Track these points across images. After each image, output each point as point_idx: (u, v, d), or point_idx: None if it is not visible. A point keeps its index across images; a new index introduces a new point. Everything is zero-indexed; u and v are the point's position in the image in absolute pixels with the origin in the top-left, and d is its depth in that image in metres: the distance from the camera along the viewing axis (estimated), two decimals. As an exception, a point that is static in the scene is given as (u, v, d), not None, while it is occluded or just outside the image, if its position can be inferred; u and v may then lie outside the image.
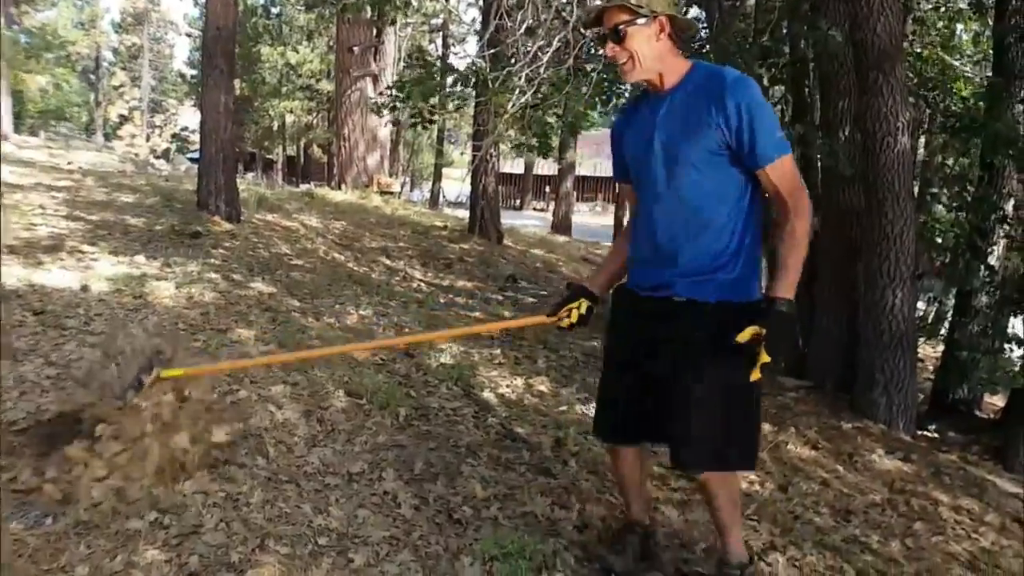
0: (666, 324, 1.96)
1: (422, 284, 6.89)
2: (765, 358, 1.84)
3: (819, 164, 5.31)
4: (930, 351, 7.46)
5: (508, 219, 18.76)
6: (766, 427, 3.90)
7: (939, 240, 5.55)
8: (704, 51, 6.05)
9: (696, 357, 1.92)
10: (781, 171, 1.86)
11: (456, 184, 25.03)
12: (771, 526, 2.74)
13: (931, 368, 6.50)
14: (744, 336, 1.82)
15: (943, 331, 6.25)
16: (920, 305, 5.93)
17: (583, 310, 2.17)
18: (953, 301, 5.84)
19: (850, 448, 3.81)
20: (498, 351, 4.70)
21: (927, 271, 5.98)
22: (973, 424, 4.94)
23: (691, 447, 2.00)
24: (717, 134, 1.85)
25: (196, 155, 8.73)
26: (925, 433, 4.57)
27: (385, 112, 8.61)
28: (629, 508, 2.37)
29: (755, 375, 1.86)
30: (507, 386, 4.01)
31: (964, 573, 2.69)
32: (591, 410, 3.74)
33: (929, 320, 6.82)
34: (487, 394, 3.81)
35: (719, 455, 1.98)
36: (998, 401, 5.72)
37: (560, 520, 2.55)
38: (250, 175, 25.38)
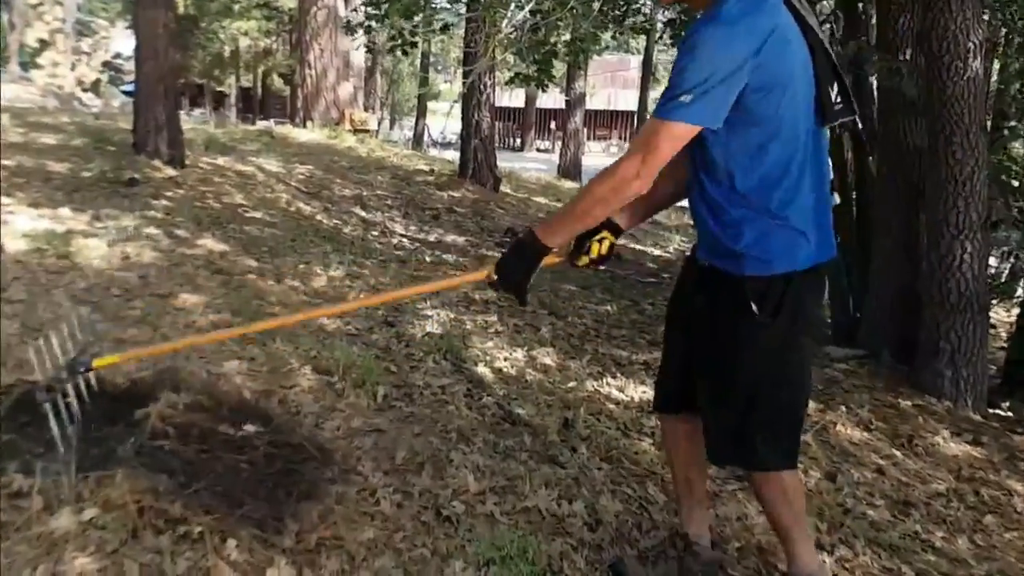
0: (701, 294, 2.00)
1: (404, 239, 6.86)
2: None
3: (875, 91, 5.21)
4: (1004, 315, 7.44)
5: (506, 162, 18.69)
6: (811, 406, 3.88)
7: (1016, 183, 5.50)
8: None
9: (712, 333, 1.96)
10: (644, 126, 1.80)
11: (444, 121, 24.79)
12: (817, 521, 2.73)
13: (1004, 336, 6.49)
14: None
15: (1020, 291, 6.23)
16: (993, 261, 5.89)
17: (604, 248, 2.10)
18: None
19: (909, 429, 3.81)
20: (494, 318, 4.68)
21: (1002, 220, 5.93)
22: (1054, 401, 4.94)
23: (711, 436, 2.01)
24: None
25: (131, 88, 8.60)
26: (997, 412, 4.56)
27: (358, 33, 8.47)
28: (679, 511, 2.34)
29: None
30: (505, 359, 3.99)
31: (1045, 575, 2.68)
32: (604, 387, 3.80)
33: (1003, 278, 6.78)
34: (482, 369, 3.78)
35: (742, 450, 1.97)
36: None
37: (568, 516, 2.54)
38: (197, 111, 25.08)
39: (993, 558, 2.72)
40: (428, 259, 6.20)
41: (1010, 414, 4.56)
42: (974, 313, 4.30)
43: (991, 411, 4.45)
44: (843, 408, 3.91)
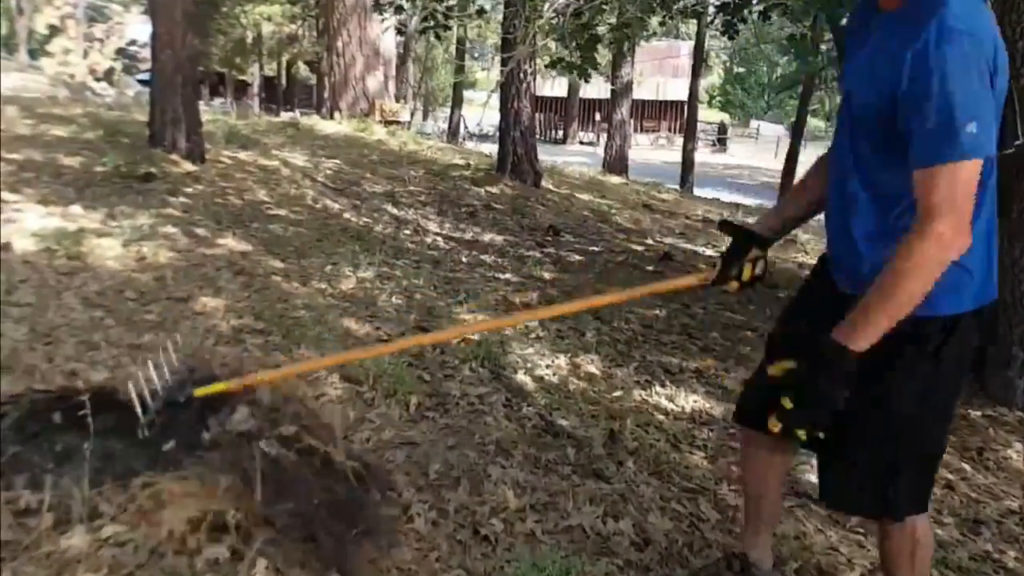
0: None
1: (438, 239, 6.89)
2: (787, 404, 1.68)
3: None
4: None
5: (548, 155, 18.72)
6: None
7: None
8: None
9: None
10: (932, 180, 1.60)
11: (481, 112, 24.90)
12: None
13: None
14: (774, 369, 1.75)
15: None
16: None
17: (759, 268, 2.00)
18: None
19: (979, 441, 3.76)
20: (534, 323, 4.68)
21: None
22: None
23: (840, 481, 1.95)
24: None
25: (147, 77, 8.76)
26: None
27: (388, 14, 8.52)
28: (743, 531, 2.32)
29: (772, 425, 1.71)
30: (547, 367, 4.00)
31: None
32: (653, 396, 3.80)
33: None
34: (522, 377, 3.79)
35: (878, 496, 1.89)
36: None
37: (614, 535, 2.54)
38: (218, 101, 25.57)
39: (1075, 583, 2.66)
40: (464, 260, 6.22)
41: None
42: None
43: None
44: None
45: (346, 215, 6.93)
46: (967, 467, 3.45)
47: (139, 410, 2.23)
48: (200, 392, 2.25)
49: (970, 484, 3.30)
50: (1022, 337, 4.27)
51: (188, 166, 6.66)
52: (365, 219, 6.99)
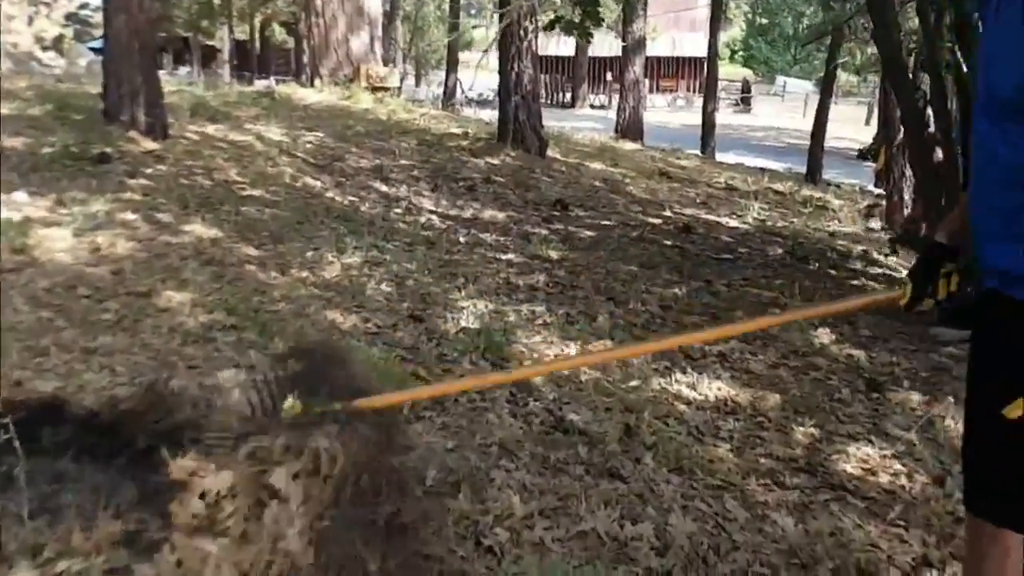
0: None
1: (433, 217, 6.87)
2: None
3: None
4: None
5: (554, 120, 18.67)
6: (914, 397, 3.87)
7: None
8: None
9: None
10: None
11: (479, 75, 24.80)
12: (923, 533, 2.70)
13: None
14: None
15: None
16: None
17: (954, 284, 1.91)
18: None
19: None
20: (542, 307, 4.68)
21: None
22: None
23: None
24: None
25: (100, 45, 8.71)
26: None
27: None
28: None
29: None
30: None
31: None
32: (673, 384, 3.77)
33: None
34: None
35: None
36: None
37: (632, 540, 2.51)
38: (183, 70, 25.45)
39: None
40: (463, 239, 6.20)
41: None
42: None
43: None
44: (951, 399, 3.83)
45: (329, 194, 6.91)
46: None
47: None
48: (363, 404, 2.16)
49: None
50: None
51: (148, 144, 6.63)
52: (351, 198, 6.96)
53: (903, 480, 3.07)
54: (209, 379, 3.08)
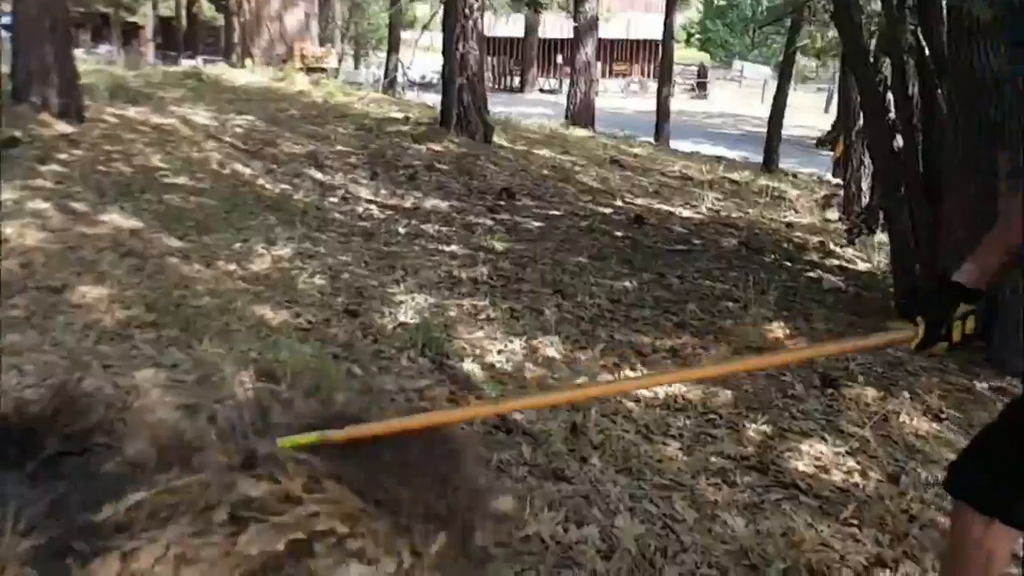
0: None
1: (371, 207, 6.83)
2: None
3: (944, 10, 5.18)
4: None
5: (503, 106, 18.64)
6: (869, 393, 3.96)
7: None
8: None
9: None
10: None
11: (424, 56, 24.67)
12: (877, 532, 2.76)
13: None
14: None
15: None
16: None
17: (969, 327, 1.94)
18: None
19: (987, 417, 3.77)
20: (485, 301, 4.67)
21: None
22: None
23: None
24: None
25: (8, 21, 8.51)
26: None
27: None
28: None
29: None
30: (499, 352, 3.98)
31: None
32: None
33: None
34: (469, 366, 3.76)
35: None
36: None
37: (577, 543, 2.52)
38: (103, 48, 24.83)
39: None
40: (402, 230, 6.16)
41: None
42: None
43: None
44: (907, 395, 3.95)
45: (260, 182, 6.82)
46: (976, 448, 3.50)
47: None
48: (286, 443, 2.13)
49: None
50: (1032, 299, 4.35)
51: (62, 127, 6.49)
52: (283, 186, 6.88)
53: (856, 478, 3.12)
54: (125, 379, 3.04)
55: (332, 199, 6.84)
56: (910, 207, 5.33)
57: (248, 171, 7.04)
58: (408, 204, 7.19)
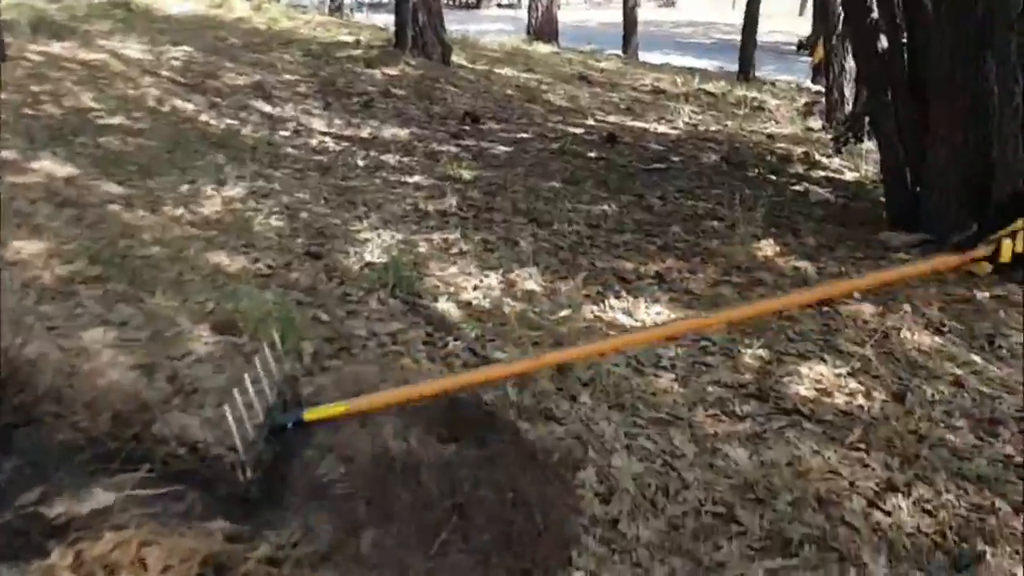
0: None
1: (326, 139, 6.70)
2: None
3: None
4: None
5: (458, 24, 18.32)
6: (867, 309, 3.94)
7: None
8: None
9: None
10: None
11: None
12: (886, 456, 2.77)
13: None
14: None
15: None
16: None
17: (1020, 245, 1.93)
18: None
19: (989, 327, 3.85)
20: (456, 234, 4.62)
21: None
22: None
23: None
24: None
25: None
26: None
27: None
28: None
29: None
30: (475, 289, 3.94)
31: None
32: (607, 311, 3.77)
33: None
34: (444, 305, 3.72)
35: None
36: None
37: (574, 488, 2.50)
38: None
39: (1108, 481, 2.76)
40: (361, 163, 6.06)
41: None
42: None
43: None
44: (907, 309, 3.96)
45: (203, 118, 6.66)
46: (977, 359, 3.54)
47: (238, 443, 2.07)
48: (312, 415, 2.06)
49: (982, 378, 3.38)
50: (1031, 200, 4.37)
51: (-21, 68, 6.29)
52: (229, 121, 6.72)
53: (860, 399, 3.13)
54: (72, 341, 2.95)
55: (283, 132, 6.69)
56: (896, 111, 5.29)
57: (189, 107, 6.86)
58: (365, 134, 7.07)
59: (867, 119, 6.67)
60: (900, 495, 2.55)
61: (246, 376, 2.20)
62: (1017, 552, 2.33)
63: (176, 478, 2.24)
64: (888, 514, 2.47)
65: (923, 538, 2.37)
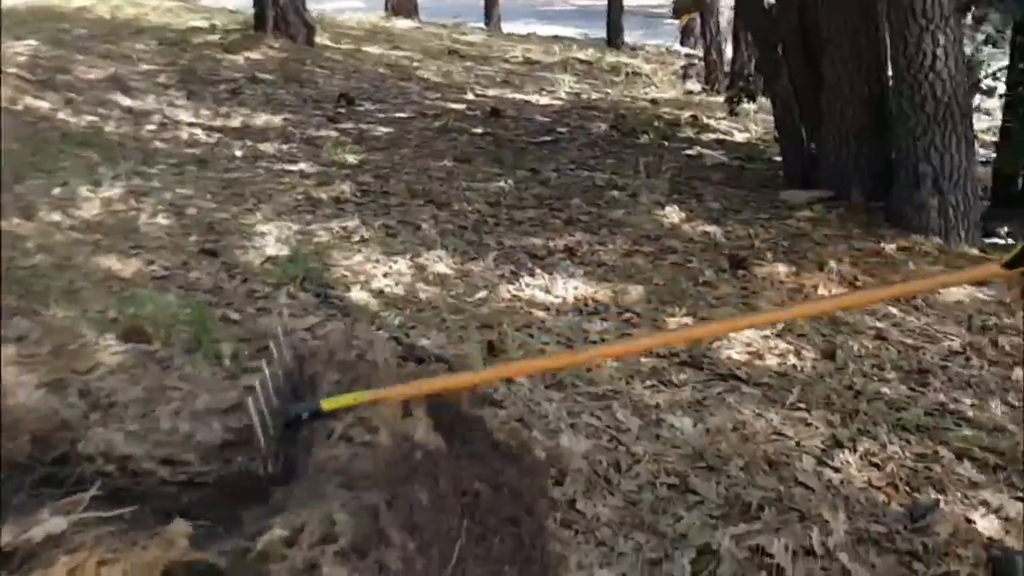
0: None
1: (197, 130, 6.49)
2: None
3: None
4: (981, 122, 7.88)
5: (312, 3, 17.87)
6: (780, 269, 4.09)
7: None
8: None
9: None
10: None
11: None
12: (826, 413, 2.88)
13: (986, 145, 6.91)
14: None
15: (1002, 87, 6.58)
16: (967, 50, 6.19)
17: None
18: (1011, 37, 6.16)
19: (901, 279, 4.06)
20: (354, 221, 4.59)
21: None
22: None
23: None
24: None
25: None
26: (996, 241, 4.94)
27: None
28: None
29: None
30: (385, 275, 3.92)
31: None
32: (525, 290, 3.81)
33: (982, 73, 7.12)
34: (357, 295, 3.69)
35: None
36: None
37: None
38: None
39: (1034, 420, 2.95)
40: (239, 153, 5.90)
41: (1010, 241, 4.93)
42: (955, 122, 4.61)
43: (987, 241, 4.84)
44: (818, 266, 4.11)
45: (61, 115, 6.35)
46: (896, 311, 3.71)
47: (260, 435, 1.96)
48: (331, 405, 1.96)
49: (903, 330, 3.56)
50: (927, 150, 4.58)
51: None
52: (89, 117, 6.42)
53: (792, 359, 3.25)
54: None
55: (149, 126, 6.44)
56: (789, 68, 5.43)
57: (44, 104, 6.52)
58: (236, 123, 6.88)
59: (760, 78, 6.81)
60: (847, 451, 2.66)
61: (263, 364, 2.15)
62: (967, 497, 2.46)
63: (117, 497, 2.18)
64: (838, 471, 2.57)
65: (875, 492, 2.48)
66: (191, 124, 6.67)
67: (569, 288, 3.85)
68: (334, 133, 6.70)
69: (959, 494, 2.48)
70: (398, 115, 7.55)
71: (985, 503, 2.45)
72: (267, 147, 6.13)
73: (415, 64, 10.37)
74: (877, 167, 5.00)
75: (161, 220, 4.36)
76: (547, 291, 3.81)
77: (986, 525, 2.35)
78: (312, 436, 2.04)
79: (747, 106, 7.29)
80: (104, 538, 1.89)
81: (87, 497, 2.00)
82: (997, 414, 2.96)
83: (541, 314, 3.56)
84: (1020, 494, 2.50)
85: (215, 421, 2.68)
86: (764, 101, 6.80)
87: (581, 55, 11.76)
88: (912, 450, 2.70)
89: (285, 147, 6.19)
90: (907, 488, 2.50)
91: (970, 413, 2.96)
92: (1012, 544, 2.28)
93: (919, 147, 4.62)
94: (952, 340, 3.52)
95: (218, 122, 6.84)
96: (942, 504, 2.41)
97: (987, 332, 3.63)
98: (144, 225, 4.27)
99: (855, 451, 2.66)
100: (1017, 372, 3.29)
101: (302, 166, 5.66)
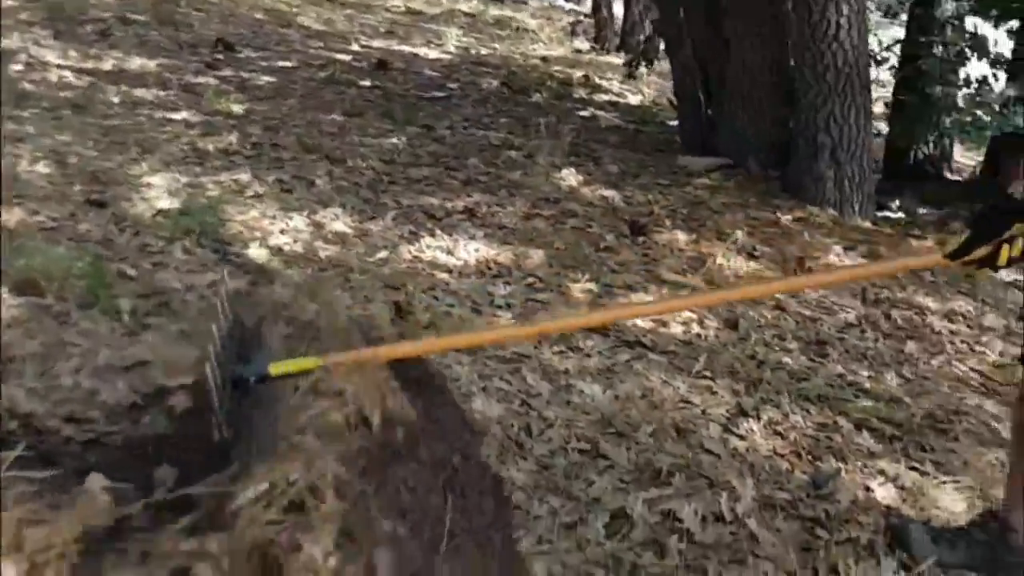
0: None
1: (67, 73, 6.22)
2: None
3: None
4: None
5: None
6: (680, 236, 4.23)
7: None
8: None
9: None
10: None
11: None
12: (731, 382, 3.02)
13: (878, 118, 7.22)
14: None
15: (895, 60, 6.89)
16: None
17: (1017, 249, 1.79)
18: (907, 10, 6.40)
19: (797, 250, 4.22)
20: (246, 175, 4.52)
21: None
22: (945, 192, 5.69)
23: None
24: None
25: None
26: (887, 214, 5.18)
27: None
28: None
29: None
30: (282, 232, 3.90)
31: (982, 402, 3.17)
32: (427, 251, 3.85)
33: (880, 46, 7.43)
34: (255, 251, 3.66)
35: None
36: (974, 155, 6.55)
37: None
38: None
39: (925, 391, 3.19)
40: (116, 99, 5.69)
41: (902, 215, 5.19)
42: (855, 93, 4.78)
43: (880, 215, 5.06)
44: (717, 234, 4.26)
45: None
46: (793, 281, 3.87)
47: (216, 402, 1.88)
48: (277, 369, 1.88)
49: (800, 301, 3.71)
50: (827, 121, 4.77)
51: None
52: (-52, 53, 6.10)
53: (696, 328, 3.38)
54: None
55: (16, 67, 6.14)
56: (691, 33, 5.53)
57: None
58: (109, 66, 6.61)
59: (661, 40, 6.83)
60: (751, 419, 2.79)
61: (213, 327, 2.13)
62: (866, 466, 2.64)
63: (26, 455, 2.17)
64: (743, 438, 2.70)
65: (780, 460, 2.63)
66: (59, 66, 6.36)
67: (471, 250, 3.90)
68: (214, 81, 6.54)
69: (859, 463, 2.65)
70: (281, 64, 7.41)
71: (883, 472, 2.62)
72: (144, 93, 5.94)
73: (294, 9, 10.14)
74: (775, 137, 5.15)
75: (41, 168, 4.19)
76: (449, 252, 3.86)
77: (884, 494, 2.53)
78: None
79: (641, 69, 7.41)
80: (22, 498, 1.90)
81: (12, 456, 2.01)
82: (892, 386, 3.16)
83: (444, 276, 3.61)
84: (916, 464, 2.69)
85: (119, 380, 2.68)
86: (658, 65, 6.93)
87: (465, 7, 11.72)
88: (813, 420, 2.86)
89: (163, 94, 6.00)
90: (809, 457, 2.66)
91: (867, 385, 3.15)
92: (908, 512, 2.46)
93: (819, 118, 4.77)
94: (848, 312, 3.71)
95: (88, 64, 6.56)
96: (843, 473, 2.57)
97: (880, 305, 3.83)
98: (23, 173, 4.10)
99: (759, 419, 2.80)
100: (910, 345, 3.50)
101: (184, 115, 5.52)
